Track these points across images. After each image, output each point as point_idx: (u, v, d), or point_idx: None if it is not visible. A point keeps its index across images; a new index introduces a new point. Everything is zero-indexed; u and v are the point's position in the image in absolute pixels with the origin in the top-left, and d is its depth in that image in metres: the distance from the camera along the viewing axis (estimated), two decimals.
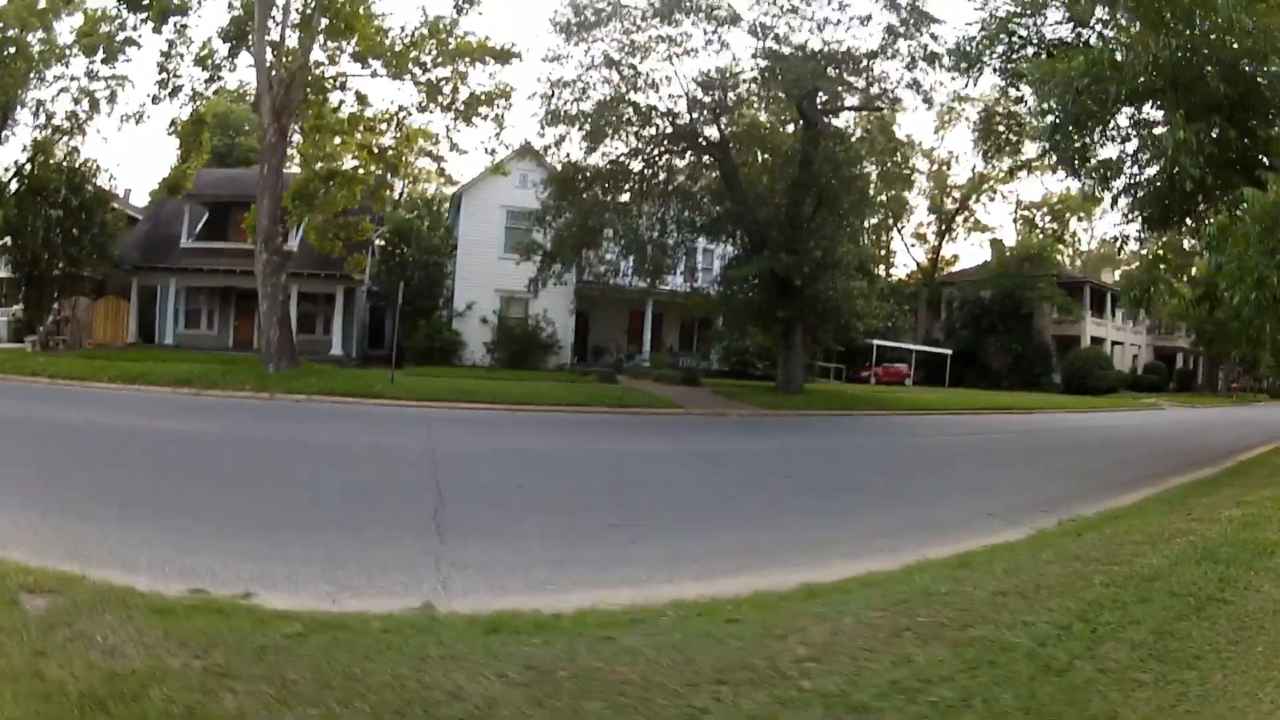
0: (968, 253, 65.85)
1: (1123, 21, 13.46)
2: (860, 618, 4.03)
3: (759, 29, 20.27)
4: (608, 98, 21.48)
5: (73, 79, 23.71)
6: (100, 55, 22.27)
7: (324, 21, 19.48)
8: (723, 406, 20.14)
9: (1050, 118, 13.93)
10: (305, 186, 21.14)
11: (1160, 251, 17.90)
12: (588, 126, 21.26)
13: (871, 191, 22.46)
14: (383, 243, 24.95)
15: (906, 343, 35.66)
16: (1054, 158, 15.78)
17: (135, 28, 21.72)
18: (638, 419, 17.56)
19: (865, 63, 21.06)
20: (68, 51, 23.20)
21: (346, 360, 24.25)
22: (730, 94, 21.66)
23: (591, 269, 23.61)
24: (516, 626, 3.94)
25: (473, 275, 25.88)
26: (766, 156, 22.72)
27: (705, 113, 21.75)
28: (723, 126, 21.98)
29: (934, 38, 19.93)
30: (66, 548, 4.89)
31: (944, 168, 36.01)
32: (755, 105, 22.75)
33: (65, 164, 24.57)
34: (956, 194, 38.09)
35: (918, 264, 41.93)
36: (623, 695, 3.04)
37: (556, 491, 8.64)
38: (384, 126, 21.15)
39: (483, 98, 20.82)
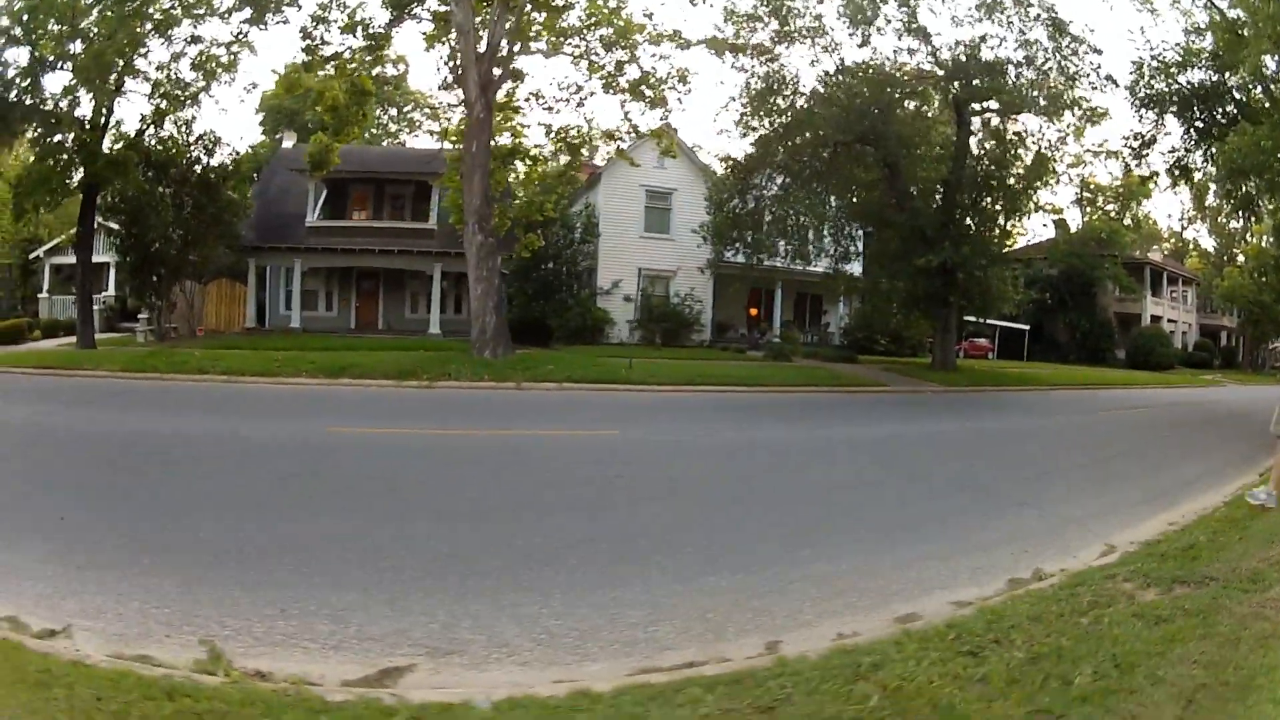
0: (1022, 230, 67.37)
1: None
2: None
3: (932, 38, 21.49)
4: (776, 85, 21.64)
5: (195, 41, 21.82)
6: (247, 14, 20.64)
7: None
8: (911, 384, 20.75)
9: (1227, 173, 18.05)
10: None
11: None
12: (758, 118, 21.45)
13: (1034, 188, 23.16)
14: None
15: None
16: (1231, 203, 20.52)
17: None
18: (871, 398, 18.01)
19: (1015, 72, 21.89)
20: (197, 11, 21.32)
21: None
22: (897, 91, 22.02)
23: (746, 250, 23.56)
24: None
25: (615, 254, 25.41)
26: (932, 150, 23.11)
27: (872, 107, 21.85)
28: (887, 120, 22.11)
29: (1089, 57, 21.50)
30: None
31: (1010, 150, 36.98)
32: (915, 103, 23.16)
33: (183, 135, 22.74)
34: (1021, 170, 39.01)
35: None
36: None
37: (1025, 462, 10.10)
38: (560, 106, 20.44)
39: (654, 80, 20.22)
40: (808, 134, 21.34)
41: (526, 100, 20.07)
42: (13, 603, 4.06)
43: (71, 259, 30.30)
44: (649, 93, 20.02)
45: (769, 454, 9.86)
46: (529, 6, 18.50)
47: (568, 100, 20.22)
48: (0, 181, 27.46)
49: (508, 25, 18.13)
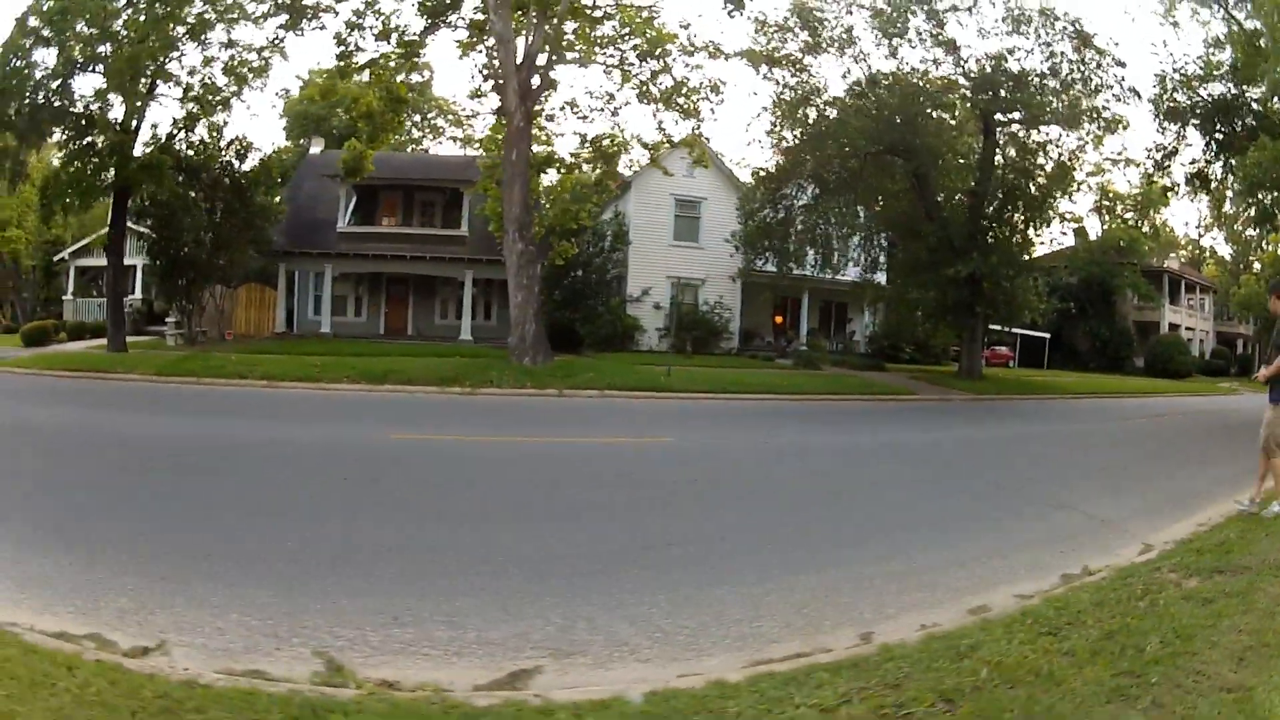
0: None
1: None
2: None
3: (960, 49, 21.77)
4: (808, 94, 21.82)
5: (230, 45, 21.81)
6: (282, 19, 20.68)
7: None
8: (939, 392, 20.98)
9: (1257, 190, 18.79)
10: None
11: None
12: (788, 128, 21.63)
13: (1054, 196, 23.31)
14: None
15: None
16: (1256, 212, 20.94)
17: None
18: (903, 406, 18.25)
19: (1040, 82, 22.02)
20: (230, 15, 21.30)
21: None
22: (925, 102, 22.17)
23: (775, 259, 23.72)
24: None
25: (645, 262, 25.60)
26: (955, 159, 23.26)
27: (897, 116, 21.98)
28: (917, 132, 22.22)
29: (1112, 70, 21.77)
30: None
31: (1031, 159, 37.09)
32: (943, 113, 23.31)
33: (214, 140, 22.79)
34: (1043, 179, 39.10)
35: None
36: None
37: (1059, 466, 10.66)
38: (595, 115, 20.60)
39: (687, 89, 20.31)
40: (832, 143, 21.41)
41: (561, 109, 20.25)
42: (93, 619, 3.87)
43: (97, 261, 30.48)
44: (682, 103, 20.17)
45: (820, 459, 10.11)
46: (561, 19, 18.59)
47: (602, 109, 20.36)
48: (26, 184, 27.57)
49: (545, 34, 18.24)
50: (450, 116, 37.66)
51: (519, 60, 18.08)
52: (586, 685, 3.44)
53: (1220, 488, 8.08)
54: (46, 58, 20.09)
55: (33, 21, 19.84)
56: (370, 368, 16.43)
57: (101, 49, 20.03)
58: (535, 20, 18.44)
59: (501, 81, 17.98)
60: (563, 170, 20.57)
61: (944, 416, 16.68)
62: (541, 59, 18.54)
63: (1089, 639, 3.71)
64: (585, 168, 21.59)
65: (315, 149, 29.93)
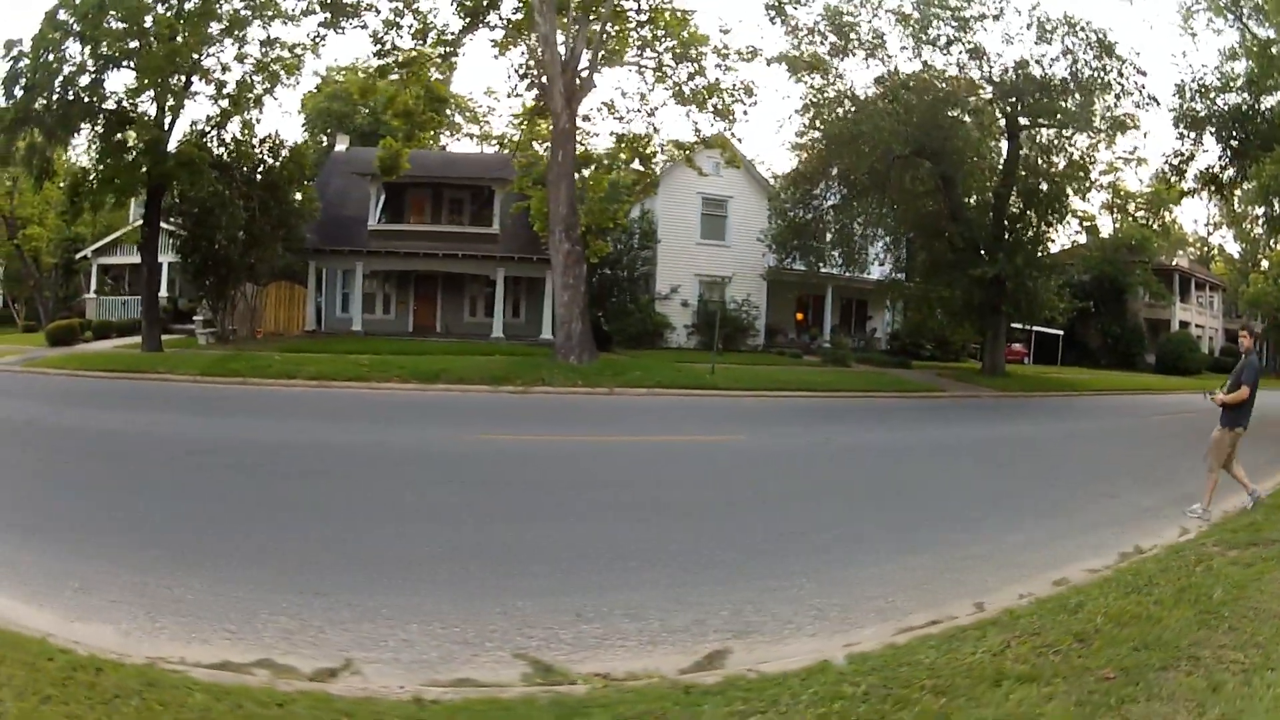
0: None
1: None
2: None
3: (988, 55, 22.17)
4: (840, 97, 22.10)
5: (269, 44, 21.75)
6: (321, 18, 20.70)
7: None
8: (967, 389, 21.44)
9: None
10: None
11: None
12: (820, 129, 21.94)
13: (1068, 194, 23.69)
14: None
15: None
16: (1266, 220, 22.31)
17: None
18: (938, 403, 18.78)
19: (1063, 87, 22.33)
20: (267, 13, 21.24)
21: None
22: (956, 108, 22.49)
23: (805, 257, 24.00)
24: None
25: (673, 260, 25.85)
26: (970, 158, 23.63)
27: (926, 120, 22.24)
28: (947, 136, 22.48)
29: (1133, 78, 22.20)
30: None
31: (1048, 156, 37.48)
32: (968, 116, 23.61)
33: (248, 137, 22.81)
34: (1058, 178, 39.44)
35: None
36: None
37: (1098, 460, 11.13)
38: (632, 116, 20.86)
39: (720, 90, 20.53)
40: (866, 148, 21.67)
41: (598, 109, 20.46)
42: (254, 643, 3.67)
43: (120, 259, 30.53)
44: (716, 104, 20.41)
45: (884, 456, 10.68)
46: (606, 21, 18.79)
47: (639, 110, 20.60)
48: (48, 182, 27.47)
49: (589, 37, 18.45)
50: (468, 113, 37.73)
51: (563, 61, 18.28)
52: (774, 660, 3.77)
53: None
54: (76, 53, 20.06)
55: (62, 15, 19.80)
56: (419, 367, 16.45)
57: (133, 44, 20.00)
58: (577, 23, 18.63)
59: (546, 83, 18.16)
60: (600, 169, 20.79)
61: (978, 413, 17.15)
62: (584, 60, 18.74)
63: (1168, 592, 4.59)
64: (626, 167, 21.80)
65: (341, 146, 30.01)
